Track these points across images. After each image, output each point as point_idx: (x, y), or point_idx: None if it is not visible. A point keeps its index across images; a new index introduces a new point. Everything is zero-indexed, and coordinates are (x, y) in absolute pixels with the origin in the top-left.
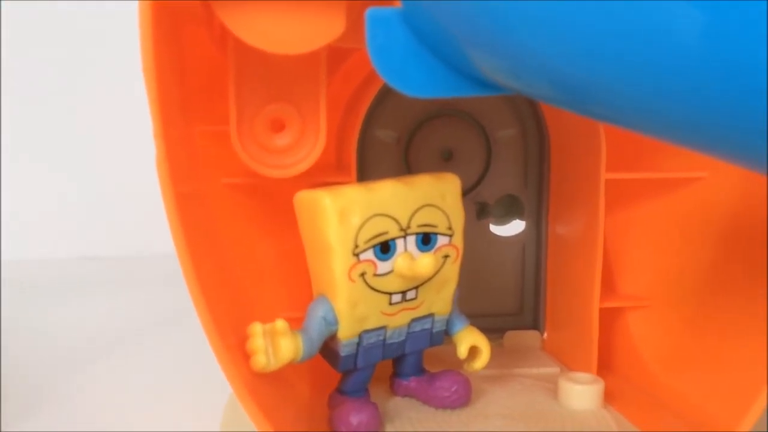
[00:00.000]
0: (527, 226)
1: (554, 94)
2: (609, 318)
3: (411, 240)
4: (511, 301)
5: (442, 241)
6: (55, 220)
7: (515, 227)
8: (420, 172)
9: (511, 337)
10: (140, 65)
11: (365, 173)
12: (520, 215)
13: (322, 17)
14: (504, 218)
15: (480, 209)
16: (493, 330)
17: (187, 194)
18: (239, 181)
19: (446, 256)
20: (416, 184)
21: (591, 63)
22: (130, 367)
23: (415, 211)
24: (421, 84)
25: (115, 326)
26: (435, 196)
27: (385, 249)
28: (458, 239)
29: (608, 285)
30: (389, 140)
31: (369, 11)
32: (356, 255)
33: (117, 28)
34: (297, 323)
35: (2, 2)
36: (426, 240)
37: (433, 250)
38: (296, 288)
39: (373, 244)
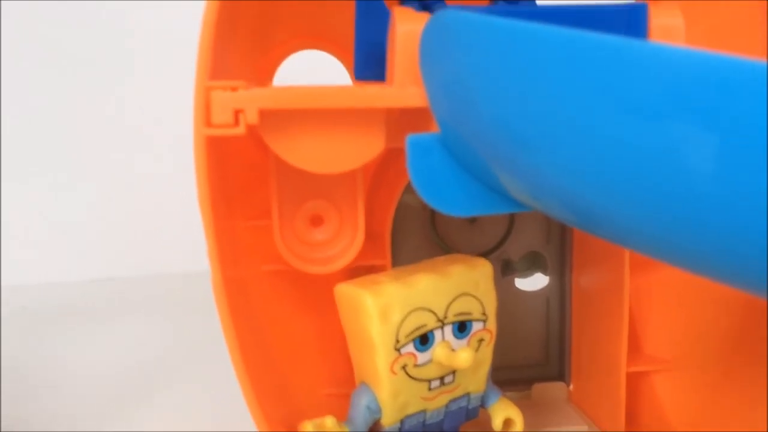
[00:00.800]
0: (551, 280)
1: (570, 218)
2: (634, 377)
3: (448, 329)
4: (537, 352)
5: (476, 326)
6: (59, 241)
7: (539, 281)
8: (447, 235)
9: (539, 390)
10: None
11: (394, 240)
12: (543, 270)
13: (363, 138)
14: (528, 272)
15: (504, 266)
16: (520, 381)
17: (231, 279)
18: (279, 268)
19: (481, 340)
20: (451, 274)
21: (602, 192)
22: (160, 413)
23: (451, 302)
24: (458, 203)
25: (137, 360)
26: (469, 284)
27: (424, 340)
28: (492, 323)
29: (633, 343)
30: (416, 205)
31: (409, 138)
32: (397, 350)
33: (127, 45)
34: (338, 399)
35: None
36: (462, 327)
37: (468, 336)
38: (336, 364)
39: (413, 337)
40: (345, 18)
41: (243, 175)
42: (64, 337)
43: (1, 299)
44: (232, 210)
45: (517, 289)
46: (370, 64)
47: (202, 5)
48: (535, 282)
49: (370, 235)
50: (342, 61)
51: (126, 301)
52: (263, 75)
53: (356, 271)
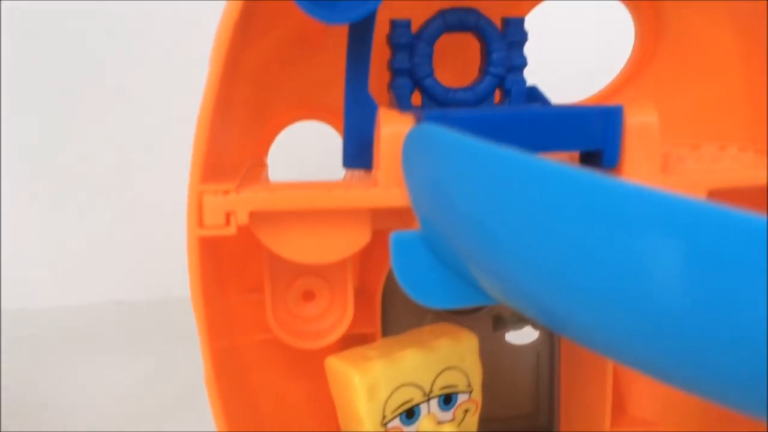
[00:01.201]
0: (541, 334)
1: (540, 321)
2: None
3: (434, 402)
4: (527, 404)
5: (462, 398)
6: (65, 264)
7: (529, 335)
8: None
9: None
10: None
11: (386, 296)
12: (533, 324)
13: (350, 233)
14: (518, 325)
15: (496, 321)
16: None
17: (222, 350)
18: (273, 337)
19: (466, 411)
20: (437, 348)
21: (568, 302)
22: None
23: (437, 376)
24: (439, 297)
25: (147, 388)
26: (455, 358)
27: (410, 414)
28: (477, 393)
29: (618, 403)
30: None
31: (392, 235)
32: (384, 425)
33: (137, 69)
34: None
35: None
36: (447, 399)
37: (454, 408)
38: (327, 426)
39: (400, 412)
40: (342, 89)
41: (237, 252)
42: (68, 363)
43: (2, 324)
44: (226, 285)
45: (508, 342)
46: (358, 154)
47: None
48: (525, 336)
49: (363, 293)
50: (339, 131)
51: (134, 325)
52: (261, 146)
53: (347, 339)
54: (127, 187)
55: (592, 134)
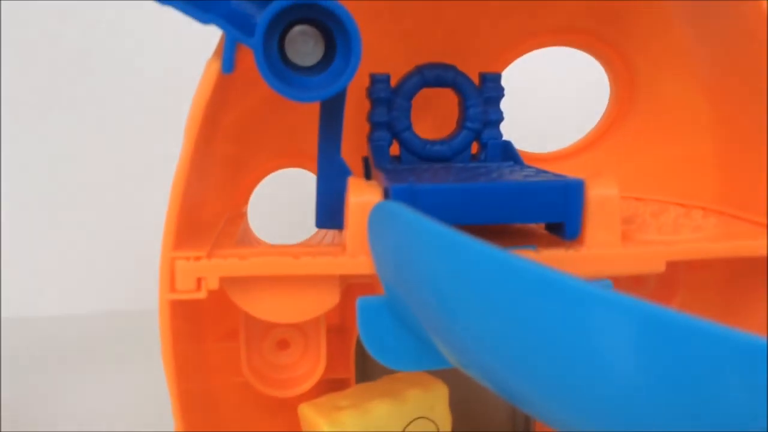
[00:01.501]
0: None
1: (492, 389)
2: None
3: None
4: (505, 424)
5: None
6: (62, 273)
7: None
8: None
9: None
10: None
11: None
12: None
13: (320, 296)
14: None
15: None
16: None
17: (192, 392)
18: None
19: None
20: (407, 398)
21: (515, 376)
22: None
23: (407, 425)
24: (404, 360)
25: (147, 398)
26: (425, 408)
27: None
28: None
29: None
30: None
31: (359, 300)
32: None
33: (134, 82)
34: None
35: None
36: None
37: None
38: None
39: None
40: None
41: (215, 304)
42: (66, 372)
43: (1, 332)
44: (203, 334)
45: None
46: (330, 216)
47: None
48: None
49: (342, 331)
50: None
51: (133, 335)
52: (240, 196)
53: (322, 383)
54: (126, 198)
55: (554, 207)
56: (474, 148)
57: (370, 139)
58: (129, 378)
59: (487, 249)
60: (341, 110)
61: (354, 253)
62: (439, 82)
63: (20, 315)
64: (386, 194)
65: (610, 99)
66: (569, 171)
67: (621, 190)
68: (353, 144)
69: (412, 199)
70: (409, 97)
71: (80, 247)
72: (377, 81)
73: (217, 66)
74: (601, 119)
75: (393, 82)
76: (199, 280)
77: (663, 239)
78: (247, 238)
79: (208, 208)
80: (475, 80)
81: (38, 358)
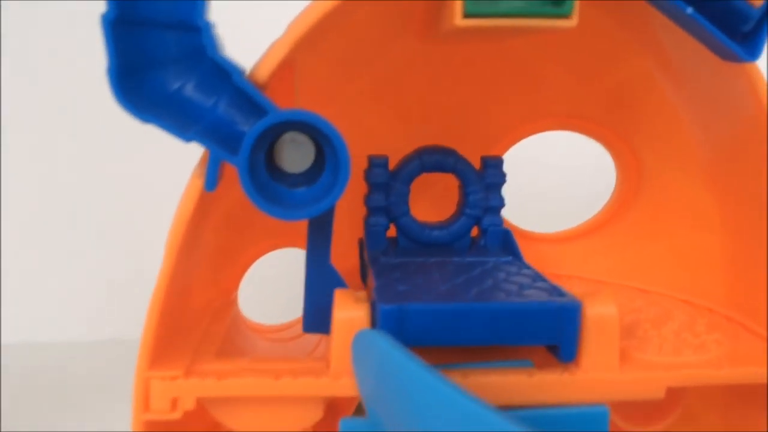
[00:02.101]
0: None
1: None
2: None
3: None
4: None
5: None
6: (64, 301)
7: None
8: None
9: None
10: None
11: None
12: None
13: (303, 412)
14: None
15: None
16: None
17: None
18: None
19: None
20: None
21: None
22: None
23: None
24: None
25: None
26: None
27: None
28: None
29: None
30: None
31: (342, 421)
32: None
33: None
34: None
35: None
36: None
37: None
38: None
39: None
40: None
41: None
42: (69, 399)
43: (2, 358)
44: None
45: None
46: (318, 322)
47: None
48: None
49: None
50: None
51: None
52: (231, 280)
53: None
54: (128, 227)
55: (549, 330)
56: (474, 230)
57: (367, 223)
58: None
59: (450, 393)
60: (330, 221)
61: (337, 373)
62: (439, 168)
63: (20, 341)
64: (373, 308)
65: (616, 183)
66: (574, 254)
67: (627, 279)
68: (349, 222)
69: (400, 321)
70: (408, 182)
71: (82, 275)
72: (375, 165)
73: (200, 183)
74: (608, 202)
75: (392, 163)
76: (174, 401)
77: (664, 361)
78: (235, 334)
79: (194, 300)
80: (476, 162)
81: (38, 383)
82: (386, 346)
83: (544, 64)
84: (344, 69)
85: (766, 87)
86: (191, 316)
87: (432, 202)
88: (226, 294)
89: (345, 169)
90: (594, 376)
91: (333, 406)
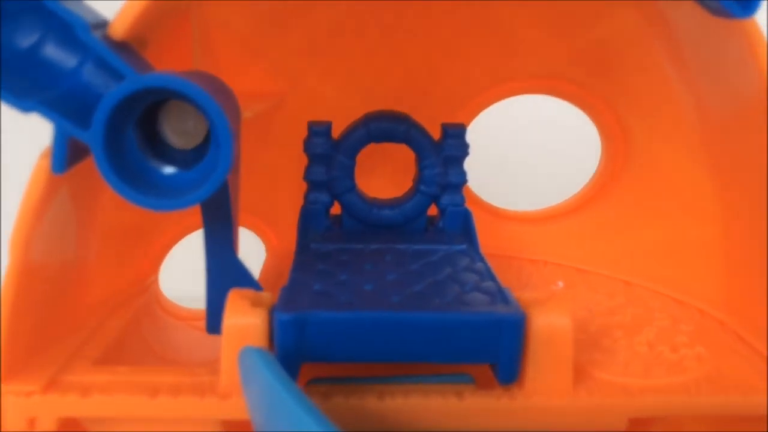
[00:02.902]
0: None
1: None
2: None
3: None
4: None
5: None
6: None
7: None
8: None
9: None
10: None
11: None
12: None
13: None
14: None
15: None
16: None
17: None
18: None
19: None
20: None
21: None
22: None
23: None
24: None
25: None
26: None
27: None
28: None
29: None
30: None
31: None
32: None
33: None
34: None
35: None
36: None
37: None
38: None
39: None
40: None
41: None
42: None
43: None
44: None
45: None
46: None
47: None
48: None
49: None
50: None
51: None
52: (146, 267)
53: None
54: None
55: (483, 347)
56: (433, 210)
57: (305, 200)
58: None
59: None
60: (227, 205)
61: (227, 392)
62: (389, 137)
63: None
64: (271, 317)
65: (601, 156)
66: (552, 237)
67: (610, 269)
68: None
69: (300, 333)
70: (353, 153)
71: None
72: (315, 134)
73: (46, 164)
74: (591, 178)
75: (338, 133)
76: (31, 420)
77: (628, 383)
78: (143, 327)
79: (88, 294)
80: (436, 130)
81: None
82: (265, 370)
83: (514, 16)
84: (274, 20)
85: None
86: (77, 313)
87: (391, 178)
88: (138, 282)
89: (226, 147)
90: (539, 402)
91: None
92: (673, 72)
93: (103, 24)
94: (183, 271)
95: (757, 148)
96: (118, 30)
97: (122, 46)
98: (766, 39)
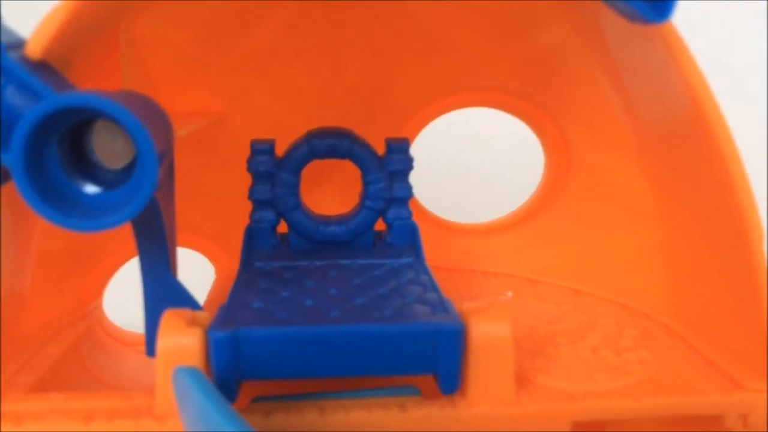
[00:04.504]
0: None
1: None
2: None
3: None
4: None
5: None
6: None
7: None
8: None
9: None
10: None
11: None
12: None
13: None
14: None
15: None
16: None
17: None
18: None
19: None
20: None
21: None
22: None
23: None
24: None
25: None
26: None
27: None
28: None
29: None
30: None
31: None
32: None
33: None
34: None
35: None
36: None
37: None
38: None
39: None
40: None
41: None
42: None
43: None
44: None
45: None
46: None
47: None
48: None
49: None
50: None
51: None
52: (88, 291)
53: None
54: None
55: (422, 358)
56: (380, 226)
57: (250, 219)
58: None
59: None
60: (160, 225)
61: (163, 414)
62: (332, 153)
63: None
64: (208, 336)
65: (545, 167)
66: (503, 248)
67: (558, 278)
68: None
69: (236, 351)
70: (296, 170)
71: None
72: (257, 152)
73: None
74: (537, 189)
75: (281, 150)
76: None
77: (570, 389)
78: (84, 353)
79: (25, 321)
80: (382, 146)
81: None
82: (195, 389)
83: (453, 32)
84: (213, 38)
85: (689, 56)
86: (12, 341)
87: (338, 194)
88: (80, 307)
89: (151, 165)
90: (482, 410)
91: None
92: (607, 82)
93: (20, 44)
94: (136, 297)
95: (689, 153)
96: (35, 49)
97: (41, 66)
98: (685, 43)
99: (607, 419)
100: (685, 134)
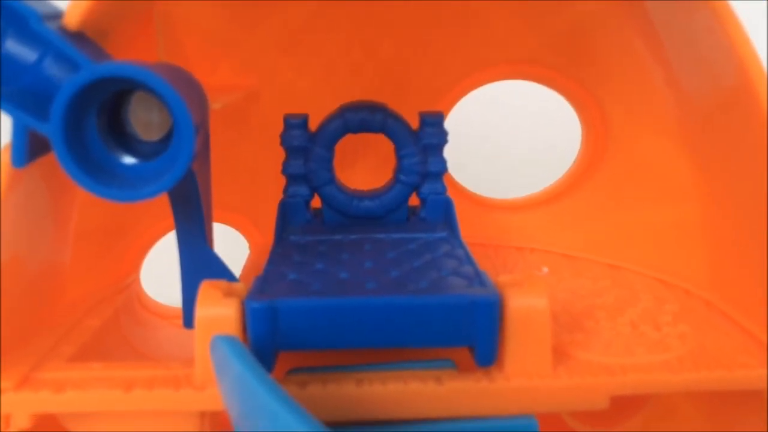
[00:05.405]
0: None
1: None
2: None
3: None
4: None
5: None
6: None
7: None
8: None
9: None
10: None
11: None
12: None
13: (171, 425)
14: None
15: None
16: None
17: None
18: None
19: None
20: None
21: None
22: None
23: None
24: None
25: None
26: None
27: None
28: None
29: None
30: None
31: None
32: None
33: None
34: None
35: None
36: None
37: None
38: None
39: None
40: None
41: None
42: None
43: None
44: None
45: None
46: None
47: None
48: None
49: None
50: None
51: None
52: (126, 265)
53: None
54: None
55: (458, 330)
56: (414, 201)
57: (284, 194)
58: None
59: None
60: (196, 197)
61: (202, 383)
62: (365, 127)
63: None
64: (244, 307)
65: (582, 141)
66: (538, 224)
67: (595, 254)
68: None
69: (273, 322)
70: (330, 145)
71: None
72: (291, 126)
73: (6, 158)
74: (573, 163)
75: (314, 126)
76: (7, 418)
77: (609, 363)
78: (122, 325)
79: (66, 293)
80: (415, 122)
81: None
82: (234, 358)
83: (484, 3)
84: (244, 17)
85: (736, 22)
86: (53, 312)
87: (372, 169)
88: (119, 280)
89: (188, 136)
90: (519, 384)
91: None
92: (647, 53)
93: (58, 15)
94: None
95: (733, 125)
96: (72, 20)
97: (78, 37)
98: (732, 9)
99: (646, 393)
100: (730, 105)
